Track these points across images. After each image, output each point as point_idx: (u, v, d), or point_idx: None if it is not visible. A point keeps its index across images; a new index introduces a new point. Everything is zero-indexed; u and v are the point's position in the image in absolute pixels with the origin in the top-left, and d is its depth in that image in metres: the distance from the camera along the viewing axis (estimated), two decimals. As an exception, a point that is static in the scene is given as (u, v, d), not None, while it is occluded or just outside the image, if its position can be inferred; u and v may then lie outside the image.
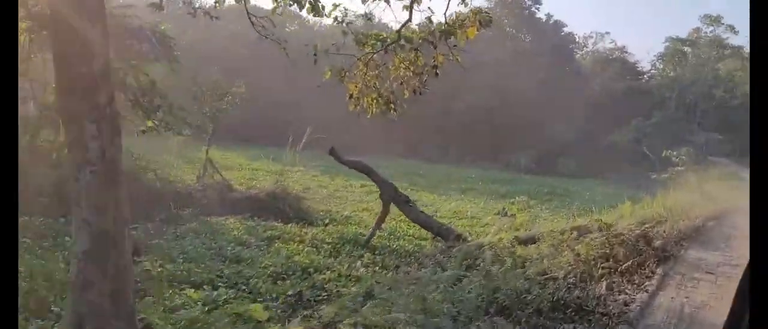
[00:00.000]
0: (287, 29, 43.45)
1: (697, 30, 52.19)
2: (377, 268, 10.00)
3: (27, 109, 12.43)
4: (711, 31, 51.17)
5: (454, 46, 7.56)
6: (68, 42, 4.40)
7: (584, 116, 43.61)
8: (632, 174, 32.20)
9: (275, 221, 13.83)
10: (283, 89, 40.53)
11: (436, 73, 7.85)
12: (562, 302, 5.82)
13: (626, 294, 6.36)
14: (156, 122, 10.01)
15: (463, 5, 7.32)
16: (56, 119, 9.49)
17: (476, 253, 8.38)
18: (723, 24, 50.29)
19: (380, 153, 40.23)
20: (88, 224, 4.40)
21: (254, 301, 7.50)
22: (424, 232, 12.59)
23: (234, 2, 7.38)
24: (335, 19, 7.49)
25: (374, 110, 8.16)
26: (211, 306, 7.08)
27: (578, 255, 6.92)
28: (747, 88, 44.88)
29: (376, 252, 11.18)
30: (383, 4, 7.13)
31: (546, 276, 6.54)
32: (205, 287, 7.80)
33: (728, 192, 18.43)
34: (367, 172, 12.62)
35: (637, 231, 7.95)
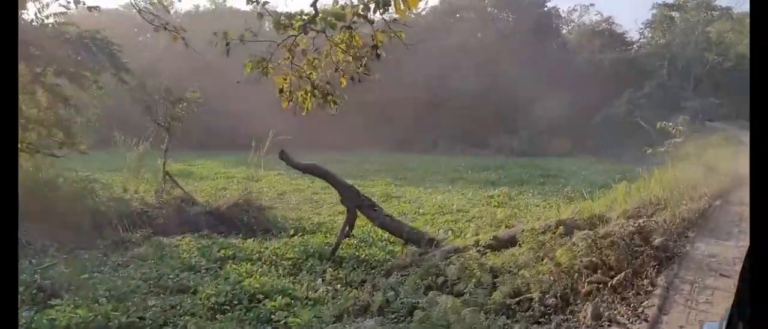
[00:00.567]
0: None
1: (684, -6, 50.79)
2: (340, 285, 8.72)
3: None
4: (698, -6, 49.73)
5: (394, 20, 6.27)
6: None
7: (575, 92, 42.15)
8: (628, 148, 30.95)
9: (237, 235, 12.61)
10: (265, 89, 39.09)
11: (378, 55, 6.54)
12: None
13: (618, 324, 4.84)
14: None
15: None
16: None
17: (441, 267, 7.05)
18: (709, -15, 48.89)
19: (369, 148, 38.99)
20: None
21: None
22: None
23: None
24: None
25: (310, 104, 6.86)
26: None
27: (558, 264, 5.59)
28: (739, 49, 43.82)
29: (343, 264, 9.91)
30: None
31: (519, 298, 5.25)
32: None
33: (730, 160, 17.17)
34: (322, 175, 11.31)
35: (632, 226, 6.50)
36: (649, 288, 5.37)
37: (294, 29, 6.14)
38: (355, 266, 9.79)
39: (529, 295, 5.27)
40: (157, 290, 8.50)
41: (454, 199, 18.50)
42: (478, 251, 7.68)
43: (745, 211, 8.83)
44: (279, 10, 6.12)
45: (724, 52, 44.14)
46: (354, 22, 6.31)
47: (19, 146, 9.17)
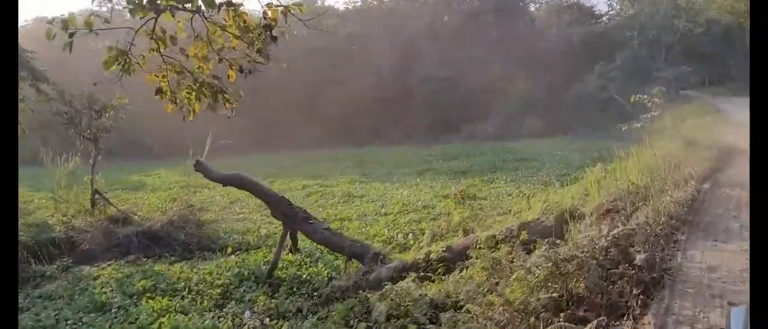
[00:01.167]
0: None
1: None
2: (270, 318, 7.30)
3: None
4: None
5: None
6: None
7: (545, 70, 41.18)
8: (603, 123, 30.04)
9: (170, 257, 11.15)
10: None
11: (274, 38, 5.10)
12: None
13: None
14: None
15: None
16: None
17: (370, 303, 5.62)
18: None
19: (340, 144, 37.50)
20: None
21: None
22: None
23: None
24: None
25: (196, 106, 5.40)
26: None
27: (509, 302, 4.15)
28: (709, 14, 43.07)
29: (281, 288, 8.49)
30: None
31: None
32: None
33: (710, 130, 16.14)
34: (246, 186, 9.81)
35: (606, 239, 4.95)
36: (634, 335, 3.79)
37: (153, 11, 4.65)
38: (294, 289, 8.38)
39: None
40: (50, 341, 7.04)
41: (421, 194, 17.21)
42: (419, 277, 6.31)
43: (741, 195, 7.58)
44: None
45: (694, 18, 43.34)
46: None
47: None
